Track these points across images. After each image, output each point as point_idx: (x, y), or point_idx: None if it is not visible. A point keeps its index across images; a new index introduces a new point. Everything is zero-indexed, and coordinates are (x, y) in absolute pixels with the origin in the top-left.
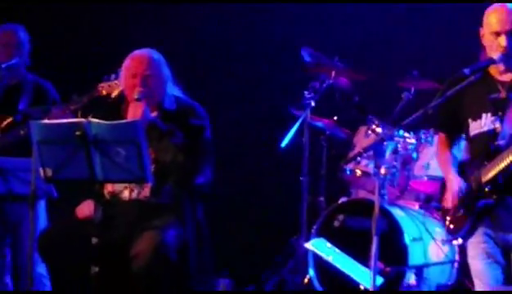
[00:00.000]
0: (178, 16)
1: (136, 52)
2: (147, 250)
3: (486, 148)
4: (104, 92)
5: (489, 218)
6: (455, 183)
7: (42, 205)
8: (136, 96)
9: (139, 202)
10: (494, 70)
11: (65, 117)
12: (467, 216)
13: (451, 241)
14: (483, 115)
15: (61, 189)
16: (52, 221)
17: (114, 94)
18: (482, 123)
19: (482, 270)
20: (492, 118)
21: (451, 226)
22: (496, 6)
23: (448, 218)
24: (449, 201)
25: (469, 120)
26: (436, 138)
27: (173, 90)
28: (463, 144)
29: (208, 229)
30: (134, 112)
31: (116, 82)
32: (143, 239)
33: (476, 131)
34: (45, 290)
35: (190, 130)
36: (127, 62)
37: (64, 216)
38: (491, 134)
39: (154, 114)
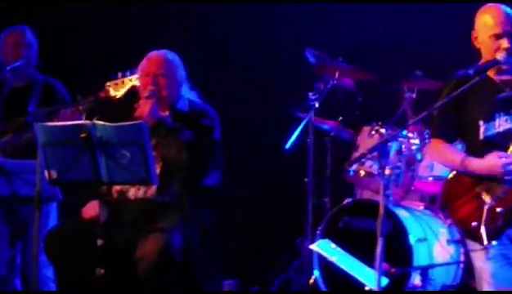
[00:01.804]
0: (179, 17)
1: (152, 53)
2: (153, 252)
3: (503, 148)
4: (111, 92)
5: None
6: (490, 157)
7: (53, 208)
8: (146, 94)
9: (145, 201)
10: (491, 71)
11: (75, 117)
12: (504, 215)
13: (488, 244)
14: (496, 115)
15: (72, 192)
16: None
17: (122, 92)
18: (496, 124)
19: (495, 273)
20: (505, 117)
21: (486, 228)
22: (489, 7)
23: (483, 219)
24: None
25: (480, 122)
26: None
27: (189, 94)
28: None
29: (214, 231)
30: (142, 109)
31: (123, 79)
32: (149, 241)
33: (490, 132)
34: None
35: (199, 129)
36: (142, 62)
37: (70, 216)
38: (508, 134)
39: (165, 114)
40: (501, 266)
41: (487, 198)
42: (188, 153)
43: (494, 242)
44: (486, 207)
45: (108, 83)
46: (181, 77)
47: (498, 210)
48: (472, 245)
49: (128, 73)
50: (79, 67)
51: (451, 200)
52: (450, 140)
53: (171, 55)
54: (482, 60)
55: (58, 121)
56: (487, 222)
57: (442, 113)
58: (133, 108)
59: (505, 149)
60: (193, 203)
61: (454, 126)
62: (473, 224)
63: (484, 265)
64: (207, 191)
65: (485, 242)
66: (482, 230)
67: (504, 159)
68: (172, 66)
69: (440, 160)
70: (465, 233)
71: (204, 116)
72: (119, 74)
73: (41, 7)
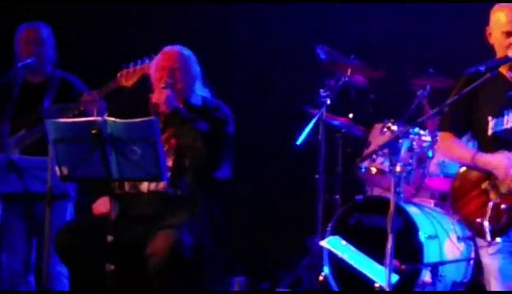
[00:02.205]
0: (193, 16)
1: (168, 47)
2: (163, 249)
3: (510, 143)
4: (123, 81)
5: None
6: (497, 155)
7: (69, 205)
8: (162, 85)
9: (157, 194)
10: (503, 68)
11: (95, 104)
12: (509, 212)
13: (492, 241)
14: (505, 112)
15: (84, 188)
16: None
17: (133, 81)
18: (505, 120)
19: (502, 270)
20: None
21: (490, 225)
22: (504, 5)
23: (488, 216)
24: (503, 173)
25: (489, 118)
26: None
27: (202, 91)
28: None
29: (224, 227)
30: (159, 97)
31: (135, 69)
32: (159, 238)
33: (498, 128)
34: (63, 288)
35: (213, 122)
36: (157, 56)
37: (81, 213)
38: None
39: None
40: (509, 263)
41: (492, 195)
42: (203, 142)
43: (498, 239)
44: (491, 204)
45: (119, 73)
46: (196, 73)
47: (503, 207)
48: (479, 242)
49: (139, 62)
50: (86, 64)
51: (458, 196)
52: (458, 133)
53: (186, 51)
54: (496, 57)
55: (80, 108)
56: (491, 219)
57: (453, 108)
58: (147, 98)
59: None
60: (204, 198)
61: (463, 120)
62: (478, 220)
63: (491, 262)
64: (218, 184)
65: (488, 238)
66: (486, 227)
67: (508, 163)
68: (187, 61)
69: (449, 155)
70: (471, 230)
71: (218, 110)
72: (131, 64)
73: (45, 5)
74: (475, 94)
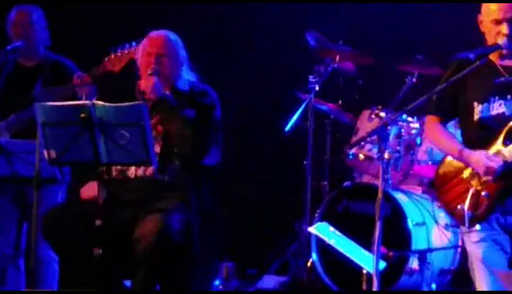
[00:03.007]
0: (186, 1)
1: (154, 32)
2: (151, 233)
3: (495, 131)
4: (110, 66)
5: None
6: (478, 153)
7: (61, 189)
8: (149, 72)
9: (145, 180)
10: (493, 55)
11: (84, 88)
12: (489, 199)
13: (470, 228)
14: (491, 99)
15: (73, 172)
16: None
17: (120, 66)
18: (491, 107)
19: (486, 257)
20: (500, 101)
21: (470, 211)
22: None
23: (468, 203)
24: (484, 167)
25: (475, 103)
26: None
27: (189, 75)
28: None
29: (212, 212)
30: (146, 84)
31: (122, 53)
32: (147, 222)
33: (483, 115)
34: (53, 272)
35: (200, 108)
36: (144, 41)
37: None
38: (500, 118)
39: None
40: (492, 251)
41: (473, 182)
42: (191, 130)
43: (478, 227)
44: (471, 191)
45: (107, 58)
46: (183, 58)
47: (483, 194)
48: (462, 229)
49: (127, 46)
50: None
51: (442, 183)
52: (444, 117)
53: (173, 36)
54: (486, 44)
55: (66, 92)
56: (471, 205)
57: (442, 94)
58: (134, 84)
59: (497, 133)
60: (192, 184)
61: (450, 105)
62: (459, 207)
63: (475, 250)
64: (207, 170)
65: (467, 225)
66: (466, 213)
67: (486, 161)
68: (174, 46)
69: (437, 146)
70: (452, 216)
71: (205, 95)
72: (118, 49)
73: None
74: (464, 80)
